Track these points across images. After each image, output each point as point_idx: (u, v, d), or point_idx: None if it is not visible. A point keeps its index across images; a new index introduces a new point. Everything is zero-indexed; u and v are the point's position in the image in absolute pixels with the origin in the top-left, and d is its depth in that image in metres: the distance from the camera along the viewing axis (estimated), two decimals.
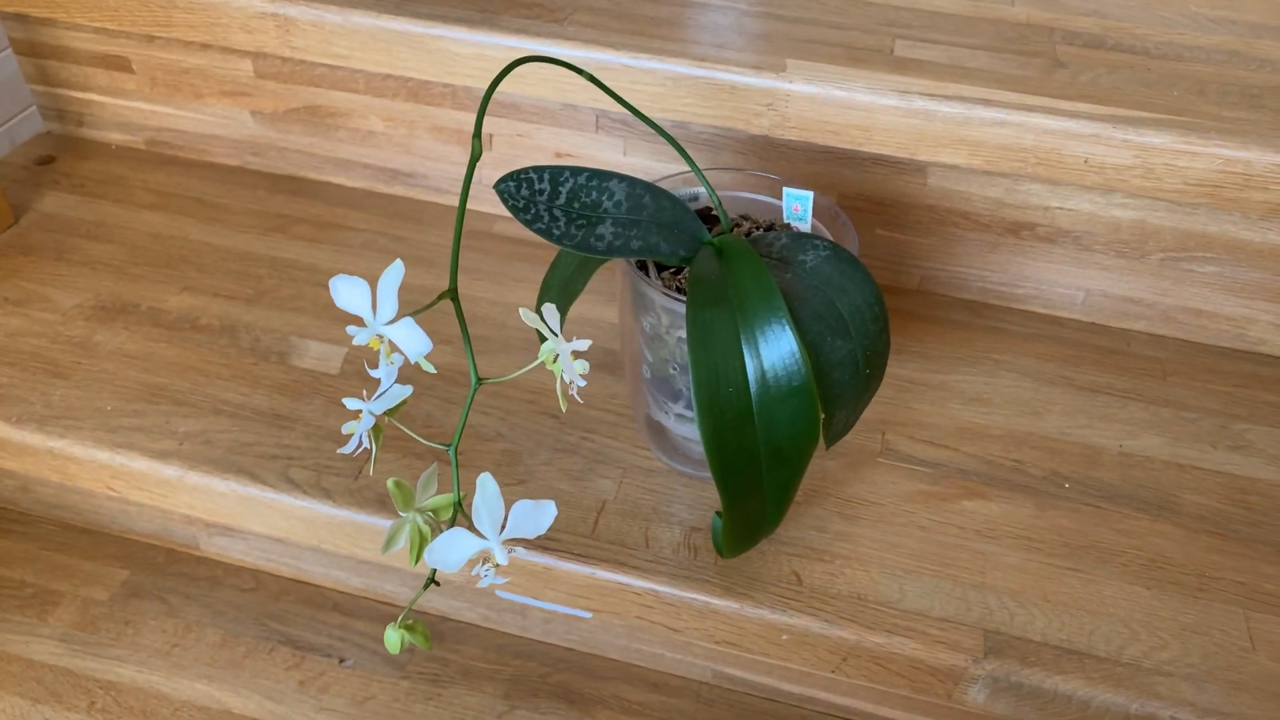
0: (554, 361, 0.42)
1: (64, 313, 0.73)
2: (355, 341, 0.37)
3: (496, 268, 0.79)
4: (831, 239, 0.55)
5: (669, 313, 0.54)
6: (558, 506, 0.62)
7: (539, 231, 0.50)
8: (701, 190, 0.62)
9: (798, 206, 0.58)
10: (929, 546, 0.59)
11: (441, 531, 0.46)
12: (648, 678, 0.75)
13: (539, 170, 0.51)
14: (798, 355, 0.47)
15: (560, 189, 0.51)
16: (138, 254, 0.79)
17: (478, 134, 0.44)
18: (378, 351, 0.38)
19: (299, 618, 0.79)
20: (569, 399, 0.53)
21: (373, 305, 0.37)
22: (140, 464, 0.63)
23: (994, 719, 0.65)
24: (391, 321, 0.37)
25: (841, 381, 0.50)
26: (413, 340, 0.36)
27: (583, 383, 0.41)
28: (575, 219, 0.51)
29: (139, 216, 0.83)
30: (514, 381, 0.68)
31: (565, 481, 0.62)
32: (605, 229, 0.51)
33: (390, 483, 0.44)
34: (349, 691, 0.74)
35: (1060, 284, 0.75)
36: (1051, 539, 0.60)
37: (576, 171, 0.52)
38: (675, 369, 0.56)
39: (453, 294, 0.41)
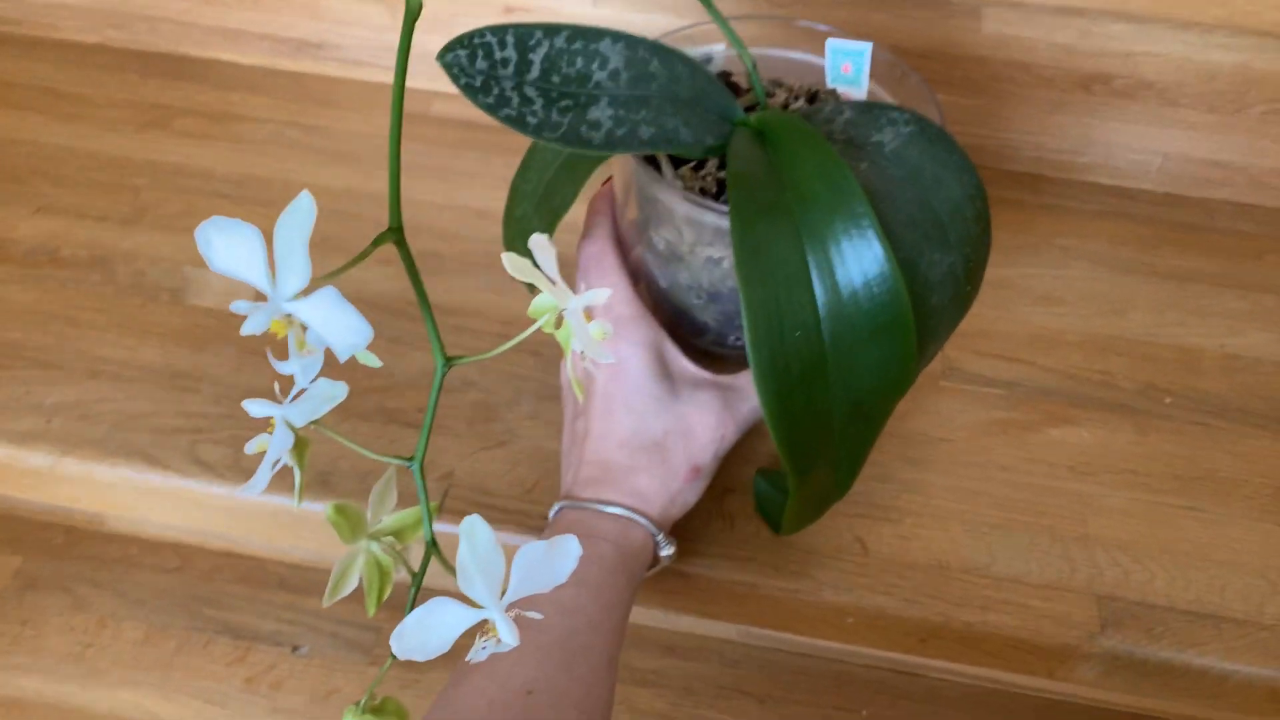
0: (556, 326, 0.28)
1: None
2: (245, 329, 0.22)
3: (441, 160, 0.63)
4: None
5: (695, 226, 0.39)
6: (546, 471, 0.49)
7: (507, 120, 0.35)
8: (708, 50, 0.47)
9: (848, 65, 0.44)
10: (1016, 491, 0.48)
11: (406, 557, 0.33)
12: (661, 640, 0.64)
13: (499, 31, 0.36)
14: (889, 278, 0.34)
15: (531, 57, 0.36)
16: None
17: None
18: (283, 340, 0.23)
19: (237, 599, 0.66)
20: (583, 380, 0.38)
21: (270, 267, 0.22)
22: None
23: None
24: (302, 293, 0.22)
25: (940, 307, 0.37)
26: (341, 323, 0.22)
27: (608, 357, 0.27)
28: (557, 99, 0.36)
29: None
30: (483, 313, 0.54)
31: (556, 439, 0.49)
32: (600, 111, 0.37)
33: (329, 509, 0.30)
34: (307, 686, 0.62)
35: (1133, 148, 0.62)
36: (1159, 470, 0.49)
37: (552, 30, 0.37)
38: (700, 299, 0.42)
39: (396, 234, 0.27)
